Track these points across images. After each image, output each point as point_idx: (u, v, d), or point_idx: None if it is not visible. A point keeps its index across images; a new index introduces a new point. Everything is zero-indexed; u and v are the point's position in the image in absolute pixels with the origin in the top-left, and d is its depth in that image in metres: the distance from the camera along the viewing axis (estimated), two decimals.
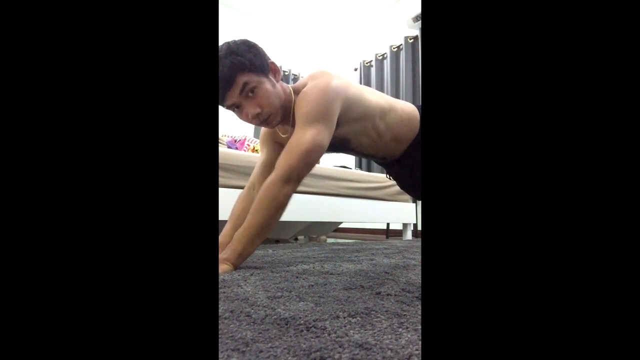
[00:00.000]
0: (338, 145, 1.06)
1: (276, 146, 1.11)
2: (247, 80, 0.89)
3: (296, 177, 0.89)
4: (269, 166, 1.09)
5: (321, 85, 0.92)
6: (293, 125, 1.00)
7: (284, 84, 1.01)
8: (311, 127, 0.89)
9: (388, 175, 1.34)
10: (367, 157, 1.17)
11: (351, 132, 1.03)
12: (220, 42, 0.89)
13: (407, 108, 1.12)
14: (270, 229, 0.90)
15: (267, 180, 0.89)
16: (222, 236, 1.03)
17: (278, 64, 4.10)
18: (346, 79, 1.00)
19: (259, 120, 0.94)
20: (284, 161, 0.89)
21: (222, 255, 0.87)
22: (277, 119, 0.97)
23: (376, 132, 1.06)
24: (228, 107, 0.93)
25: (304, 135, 0.89)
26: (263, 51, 0.95)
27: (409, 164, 1.15)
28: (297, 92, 1.00)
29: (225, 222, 2.05)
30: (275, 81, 0.96)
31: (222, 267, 0.85)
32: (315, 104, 0.90)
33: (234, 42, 0.90)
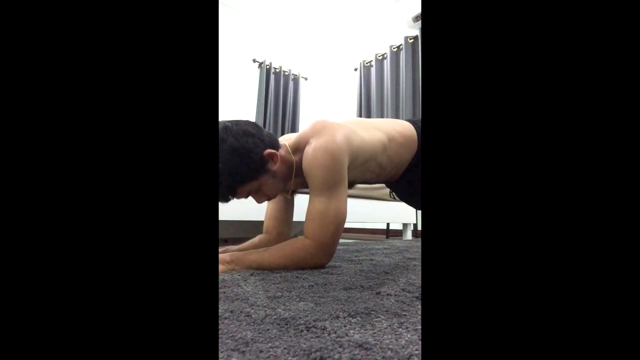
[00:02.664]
0: None
1: (281, 196, 1.18)
2: (249, 189, 0.93)
3: (331, 253, 0.93)
4: (280, 213, 1.18)
5: (327, 145, 0.89)
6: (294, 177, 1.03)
7: (283, 153, 0.97)
8: (333, 195, 0.89)
9: (391, 194, 1.37)
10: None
11: (357, 175, 1.05)
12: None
13: (404, 130, 1.11)
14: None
15: (306, 244, 0.90)
16: (239, 247, 1.11)
17: (278, 65, 4.13)
18: (346, 127, 0.96)
19: (269, 200, 1.03)
20: (318, 233, 0.89)
21: (226, 257, 0.88)
22: (282, 190, 1.03)
23: (379, 167, 1.08)
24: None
25: (329, 206, 0.89)
26: (254, 146, 0.89)
27: (408, 180, 1.17)
28: (300, 148, 0.97)
29: (224, 221, 2.04)
30: (275, 168, 0.94)
31: (221, 267, 0.85)
32: (328, 170, 0.88)
33: (224, 156, 0.85)
